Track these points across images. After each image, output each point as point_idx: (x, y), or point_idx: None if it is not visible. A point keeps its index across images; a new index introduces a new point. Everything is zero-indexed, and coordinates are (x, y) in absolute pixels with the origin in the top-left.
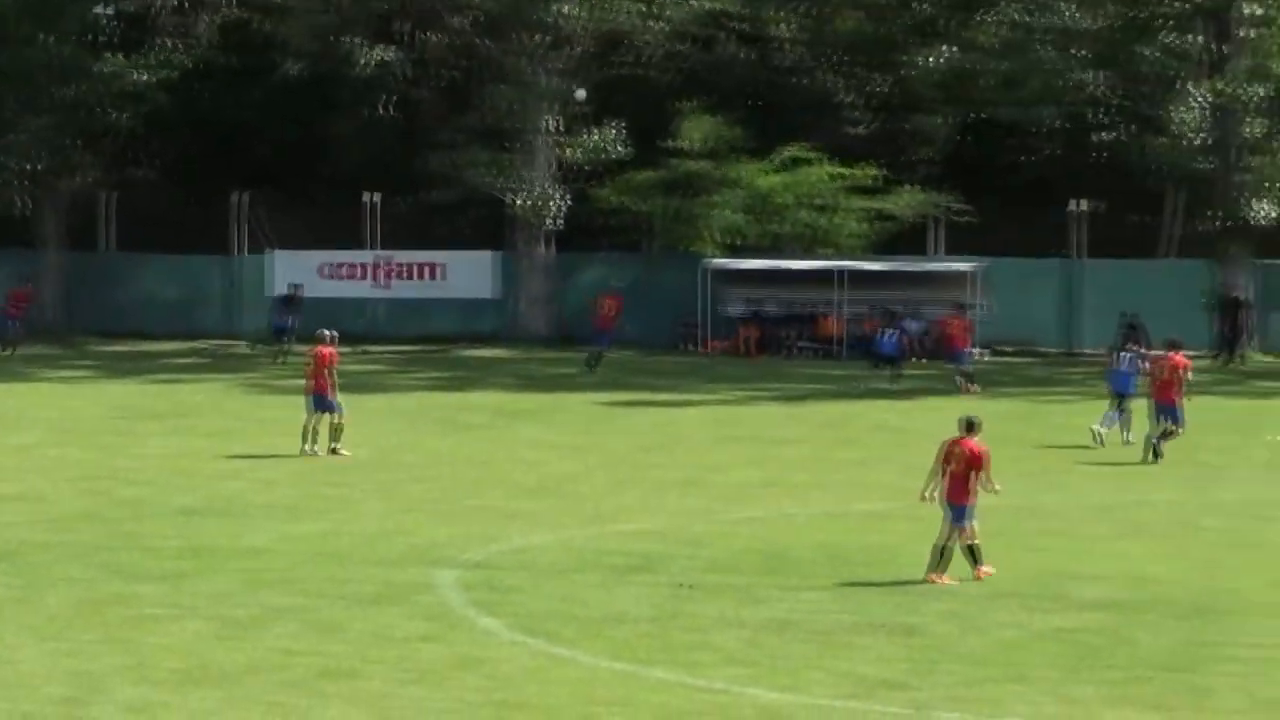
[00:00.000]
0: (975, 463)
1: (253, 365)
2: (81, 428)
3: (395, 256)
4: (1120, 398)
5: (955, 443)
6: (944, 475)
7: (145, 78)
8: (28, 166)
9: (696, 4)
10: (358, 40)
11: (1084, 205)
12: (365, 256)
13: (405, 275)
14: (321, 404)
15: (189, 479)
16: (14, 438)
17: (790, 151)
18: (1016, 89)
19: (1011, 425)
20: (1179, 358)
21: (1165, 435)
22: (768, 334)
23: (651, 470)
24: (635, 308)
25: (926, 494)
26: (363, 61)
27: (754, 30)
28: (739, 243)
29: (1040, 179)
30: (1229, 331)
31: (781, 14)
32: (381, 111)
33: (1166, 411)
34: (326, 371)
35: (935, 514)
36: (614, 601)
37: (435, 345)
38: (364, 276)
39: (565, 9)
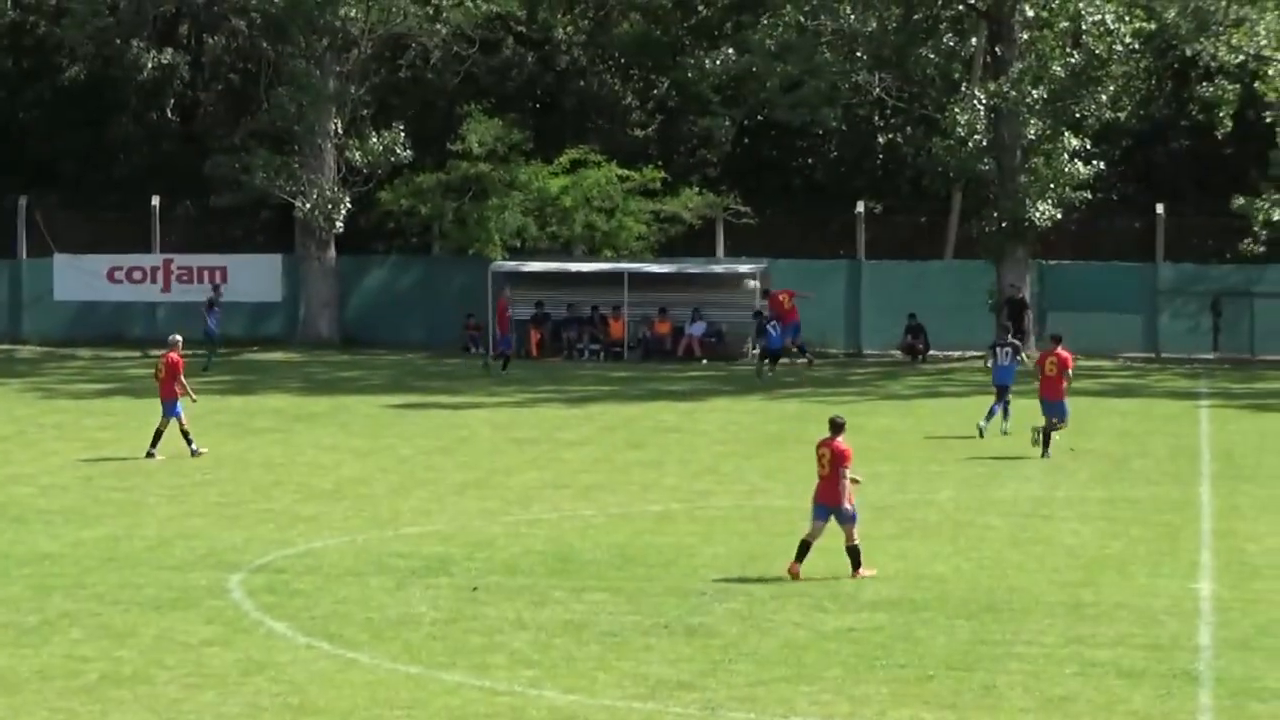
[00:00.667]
0: (842, 461)
1: (37, 370)
2: None
3: (179, 260)
4: (1002, 390)
5: (822, 444)
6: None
7: None
8: None
9: (478, 7)
10: (139, 43)
11: (867, 206)
12: (150, 260)
13: (190, 279)
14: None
15: None
16: None
17: (573, 154)
18: (797, 91)
19: (796, 426)
20: (1064, 353)
21: (1050, 429)
22: (553, 336)
23: (439, 473)
24: (422, 310)
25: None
26: (145, 64)
27: (536, 33)
28: (524, 245)
29: (824, 180)
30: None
31: (563, 17)
32: (165, 115)
33: (1053, 407)
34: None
35: (722, 516)
36: (404, 604)
37: (222, 349)
38: (149, 280)
39: (348, 12)
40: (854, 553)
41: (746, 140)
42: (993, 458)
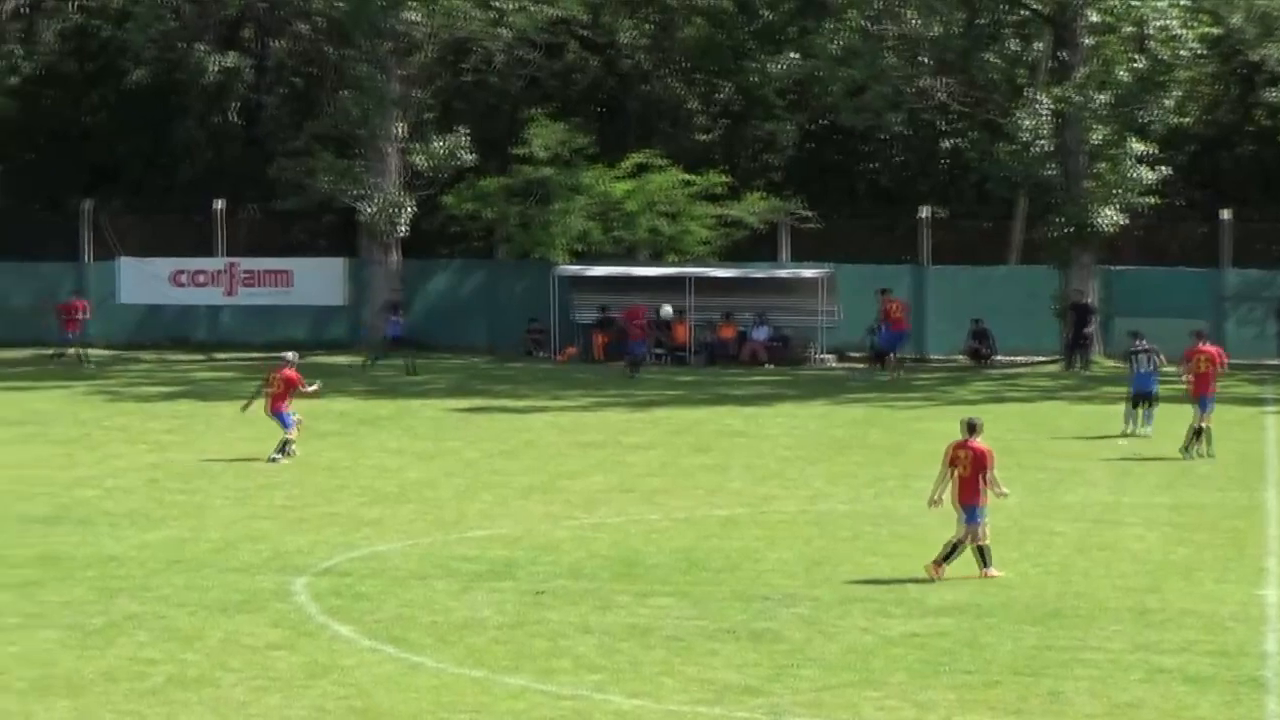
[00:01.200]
0: (982, 463)
1: (103, 372)
2: None
3: (243, 263)
4: (1146, 398)
5: (960, 445)
6: (952, 478)
7: None
8: None
9: (541, 11)
10: (203, 47)
11: (932, 211)
12: (214, 264)
13: (254, 282)
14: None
15: (40, 487)
16: None
17: (637, 158)
18: (861, 95)
19: (861, 431)
20: (1212, 349)
21: (1203, 426)
22: (618, 340)
23: (504, 476)
24: (485, 314)
25: (934, 497)
26: (208, 68)
27: (599, 37)
28: (588, 249)
29: (888, 185)
30: (1076, 337)
31: (626, 21)
32: (229, 118)
33: (1205, 402)
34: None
35: (787, 521)
36: (469, 608)
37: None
38: (213, 283)
39: (411, 16)
40: (982, 552)
41: (810, 144)
42: (1059, 464)
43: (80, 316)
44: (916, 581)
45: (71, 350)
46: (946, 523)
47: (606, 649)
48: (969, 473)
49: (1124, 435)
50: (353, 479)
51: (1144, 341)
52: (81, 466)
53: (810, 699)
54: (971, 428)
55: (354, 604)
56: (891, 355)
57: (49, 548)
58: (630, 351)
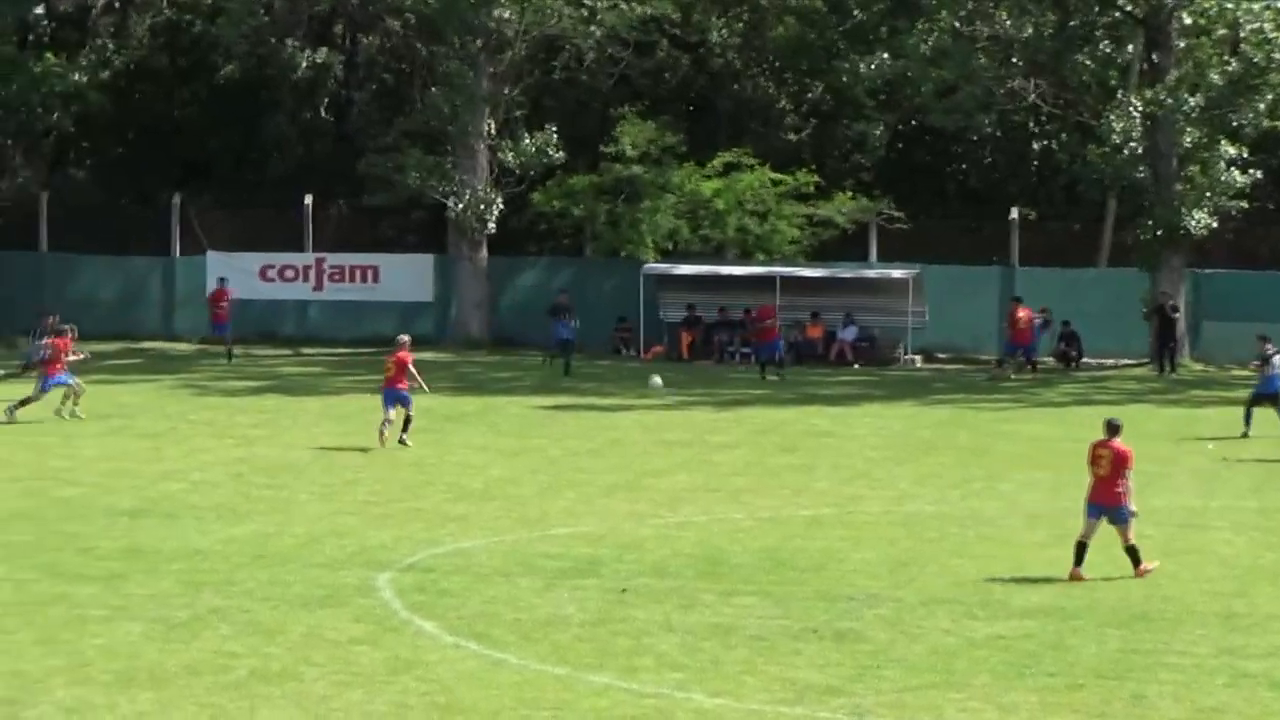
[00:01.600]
0: (1123, 464)
1: (190, 366)
2: (18, 428)
3: (331, 259)
4: (1265, 398)
5: (1101, 445)
6: (1091, 477)
7: (80, 78)
8: None
9: (632, 9)
10: (294, 43)
11: (1021, 213)
12: (302, 259)
13: (342, 278)
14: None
15: (127, 480)
16: None
17: (726, 157)
18: (952, 96)
19: (947, 432)
20: None
21: None
22: (705, 339)
23: (588, 474)
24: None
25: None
26: (299, 64)
27: (690, 36)
28: (676, 248)
29: (978, 186)
30: (1162, 340)
31: (717, 20)
32: (319, 114)
33: None
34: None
35: (872, 521)
36: (552, 605)
37: (372, 348)
38: (302, 279)
39: (501, 13)
40: (1132, 551)
41: (900, 145)
42: (1146, 468)
43: (225, 305)
44: (1001, 583)
45: (224, 345)
46: (1032, 525)
47: (689, 647)
48: (1108, 473)
49: (1244, 435)
50: (438, 475)
51: (1272, 345)
52: (168, 460)
53: (893, 700)
54: (1113, 428)
55: (437, 600)
56: (1010, 359)
57: (135, 541)
58: (762, 353)
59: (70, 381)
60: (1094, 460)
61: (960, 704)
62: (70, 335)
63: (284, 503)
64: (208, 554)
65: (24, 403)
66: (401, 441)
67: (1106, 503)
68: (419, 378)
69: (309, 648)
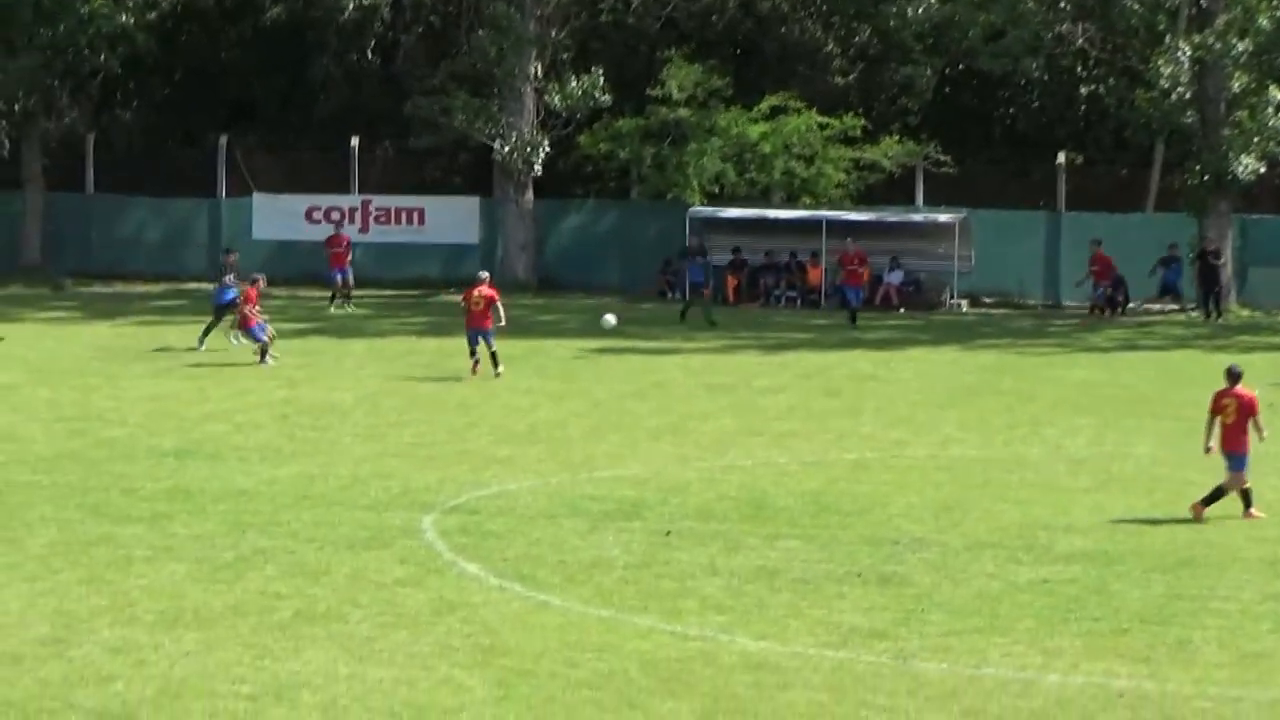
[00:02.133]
0: (1250, 409)
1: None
2: (63, 368)
3: (377, 201)
4: None
5: (1225, 394)
6: (1218, 426)
7: (127, 19)
8: (11, 107)
9: None
10: None
11: (1068, 157)
12: (348, 201)
13: (388, 220)
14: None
15: (172, 421)
16: None
17: (773, 100)
18: (1000, 40)
19: (992, 377)
20: None
21: None
22: (750, 282)
23: (633, 417)
24: (618, 255)
25: (1207, 445)
26: (346, 5)
27: None
28: (722, 191)
29: (1025, 131)
30: (1207, 285)
31: None
32: (366, 56)
33: None
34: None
35: (917, 466)
36: (596, 547)
37: (417, 290)
38: (348, 221)
39: None
40: (1245, 494)
41: (947, 89)
42: (1192, 414)
43: (340, 250)
44: (1045, 527)
45: (343, 288)
46: (1076, 470)
47: (733, 590)
48: (1235, 419)
49: None
50: (482, 418)
51: None
52: (213, 401)
53: (937, 644)
54: (1234, 376)
55: (482, 542)
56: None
57: (180, 481)
58: (846, 298)
59: (263, 336)
60: (1219, 409)
61: (1004, 648)
62: (259, 284)
63: (329, 444)
64: (252, 495)
65: (207, 331)
66: (497, 375)
67: (1237, 450)
68: (501, 312)
69: (354, 589)
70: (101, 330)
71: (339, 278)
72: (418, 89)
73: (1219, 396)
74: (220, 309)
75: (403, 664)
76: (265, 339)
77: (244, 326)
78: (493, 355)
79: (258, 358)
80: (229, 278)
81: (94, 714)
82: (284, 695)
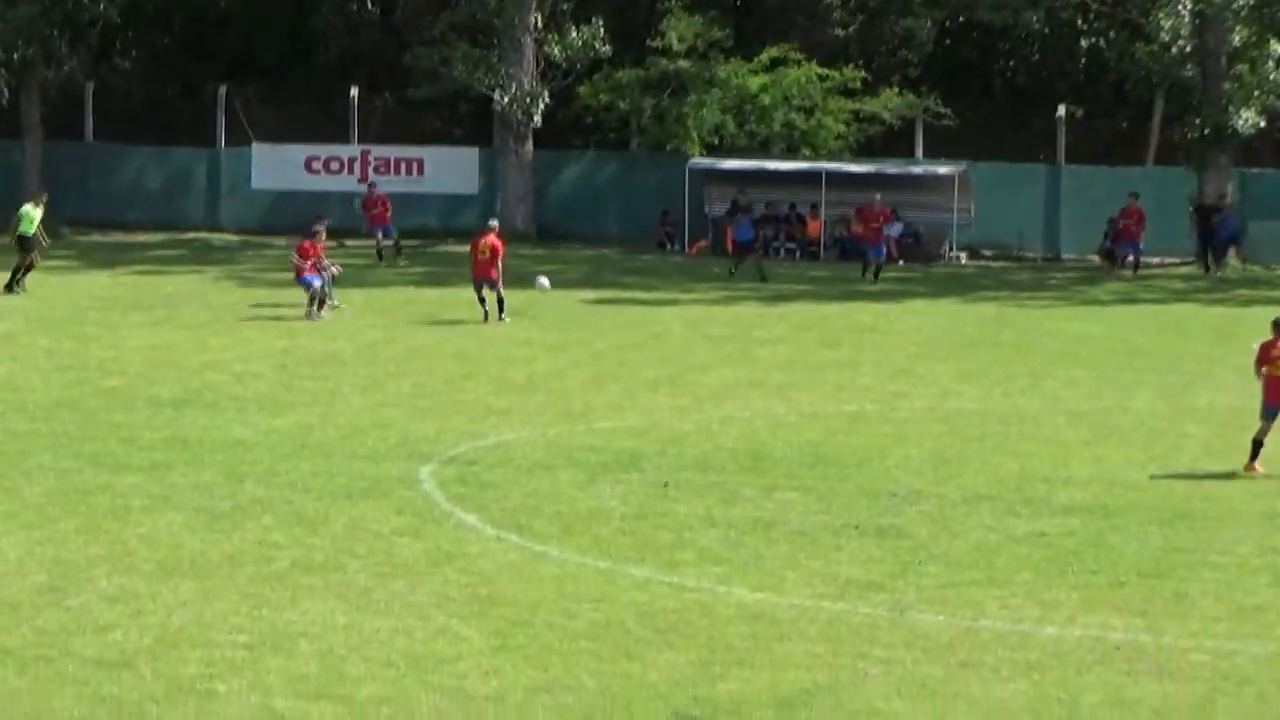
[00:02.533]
0: None
1: (234, 258)
2: (61, 317)
3: (377, 151)
4: None
5: (1271, 345)
6: (1262, 377)
7: None
8: (10, 56)
9: None
10: None
11: (1068, 110)
12: (348, 151)
13: (387, 170)
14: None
15: (171, 370)
16: None
17: (773, 52)
18: None
19: (991, 329)
20: None
21: None
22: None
23: (632, 368)
24: (618, 206)
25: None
26: None
27: None
28: (722, 143)
29: (1025, 83)
30: (1205, 239)
31: None
32: (366, 6)
33: None
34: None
35: (915, 418)
36: (594, 498)
37: (417, 240)
38: (347, 171)
39: None
40: (1258, 446)
41: (948, 41)
42: (1190, 367)
43: (382, 208)
44: (1043, 480)
45: (389, 243)
46: (1075, 423)
47: (731, 542)
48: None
49: None
50: (481, 368)
51: None
52: (211, 351)
53: (934, 596)
54: None
55: (479, 492)
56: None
57: (178, 431)
58: (867, 255)
59: (315, 283)
60: (1268, 359)
61: (1002, 600)
62: (319, 237)
63: (327, 394)
64: (250, 445)
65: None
66: (501, 319)
67: (1275, 401)
68: (500, 269)
69: (351, 539)
70: (99, 279)
71: (381, 234)
72: (417, 39)
73: (1267, 347)
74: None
75: (400, 614)
76: (317, 288)
77: (297, 276)
78: (499, 302)
79: (311, 308)
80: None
81: (92, 662)
82: (281, 644)
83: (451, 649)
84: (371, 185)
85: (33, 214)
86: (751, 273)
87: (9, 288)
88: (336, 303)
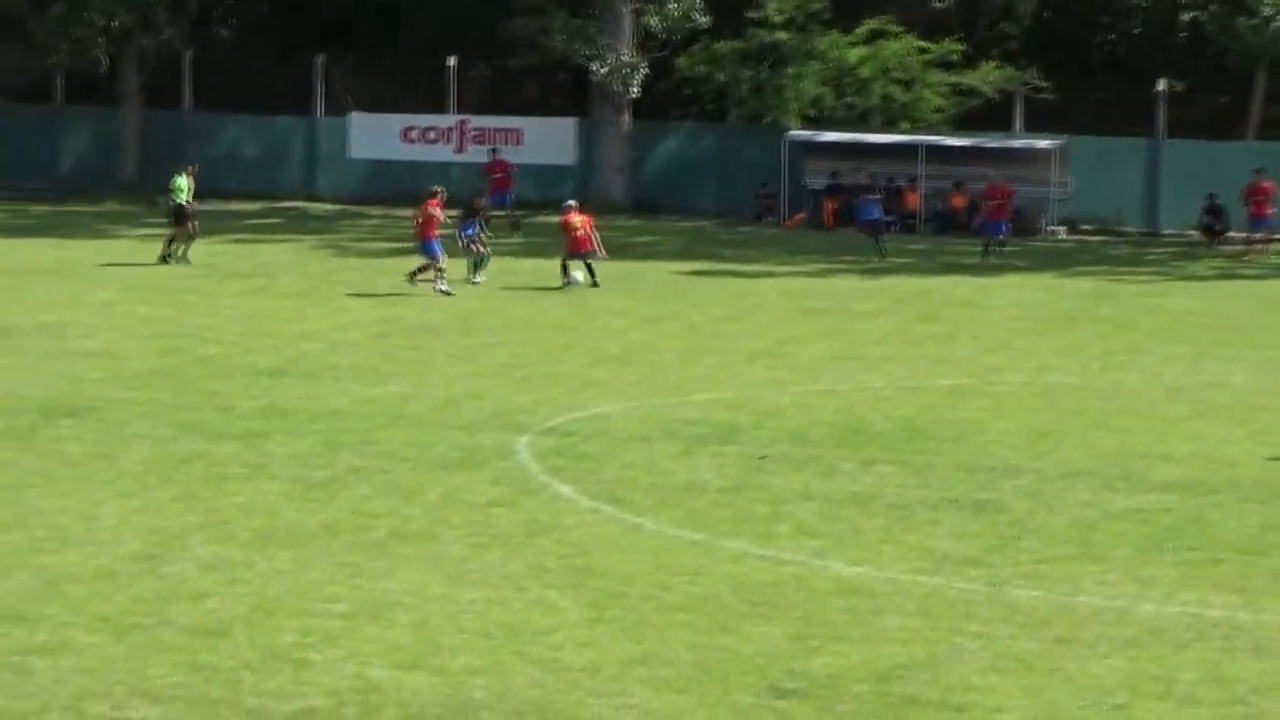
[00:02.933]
0: None
1: (331, 227)
2: (160, 286)
3: (474, 121)
4: None
5: None
6: None
7: None
8: (110, 24)
9: None
10: None
11: (1168, 84)
12: (445, 121)
13: (484, 140)
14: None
15: (268, 339)
16: (93, 294)
17: (872, 24)
18: None
19: (1090, 304)
20: None
21: None
22: (847, 207)
23: (729, 341)
24: (715, 178)
25: None
26: None
27: None
28: (820, 115)
29: (1125, 57)
30: None
31: None
32: None
33: None
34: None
35: (1013, 392)
36: (690, 471)
37: (516, 211)
38: (444, 141)
39: None
40: None
41: (1047, 14)
42: None
43: (501, 175)
44: (1141, 456)
45: (502, 214)
46: (1173, 399)
47: (828, 515)
48: None
49: None
50: (578, 339)
51: None
52: (308, 320)
53: (1030, 571)
54: None
55: (576, 464)
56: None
57: (274, 400)
58: (989, 232)
59: (437, 251)
60: None
61: (1098, 576)
62: (439, 197)
63: (423, 364)
64: (347, 414)
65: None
66: (595, 284)
67: None
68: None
69: (447, 509)
70: (197, 248)
71: (500, 202)
72: (516, 8)
73: None
74: (469, 242)
75: (496, 585)
76: (438, 258)
77: (423, 238)
78: (589, 268)
79: (427, 278)
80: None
81: (188, 630)
82: (377, 614)
83: (547, 620)
84: (494, 150)
85: (183, 184)
86: (871, 248)
87: (164, 259)
88: (479, 280)
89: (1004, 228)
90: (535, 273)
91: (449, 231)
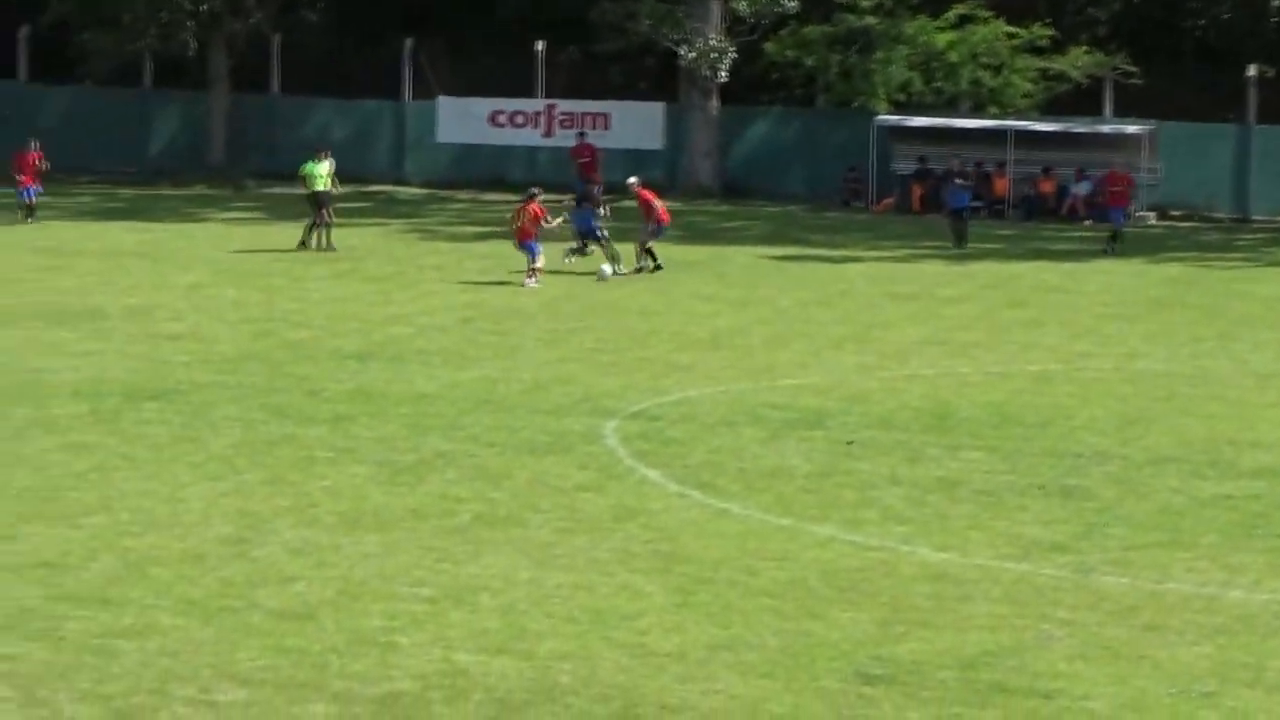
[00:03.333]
0: None
1: (419, 211)
2: (247, 269)
3: (562, 105)
4: None
5: None
6: None
7: None
8: (199, 8)
9: None
10: None
11: (1259, 70)
12: (532, 105)
13: (572, 124)
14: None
15: (355, 323)
16: (180, 278)
17: (961, 9)
18: None
19: (1179, 290)
20: None
21: None
22: (936, 192)
23: (816, 325)
24: (803, 162)
25: None
26: None
27: None
28: (909, 100)
29: (1215, 43)
30: None
31: None
32: None
33: None
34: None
35: (1101, 378)
36: (777, 456)
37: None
38: (531, 125)
39: None
40: None
41: (1136, 0)
42: None
43: (586, 160)
44: (1230, 443)
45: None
46: (1263, 386)
47: (914, 501)
48: None
49: None
50: (664, 324)
51: None
52: (395, 304)
53: (1118, 558)
54: None
55: (663, 448)
56: None
57: (362, 383)
58: (1111, 219)
59: (537, 248)
60: None
61: (1187, 563)
62: (538, 199)
63: (510, 349)
64: (434, 398)
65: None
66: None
67: None
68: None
69: (534, 494)
70: (284, 231)
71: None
72: None
73: None
74: (584, 233)
75: (582, 569)
76: (537, 255)
77: (521, 239)
78: (649, 252)
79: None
80: (603, 209)
81: (275, 614)
82: (463, 598)
83: (633, 605)
84: (581, 135)
85: (315, 169)
86: (955, 236)
87: (303, 244)
88: (623, 270)
89: (1124, 215)
90: (623, 258)
91: (554, 226)
